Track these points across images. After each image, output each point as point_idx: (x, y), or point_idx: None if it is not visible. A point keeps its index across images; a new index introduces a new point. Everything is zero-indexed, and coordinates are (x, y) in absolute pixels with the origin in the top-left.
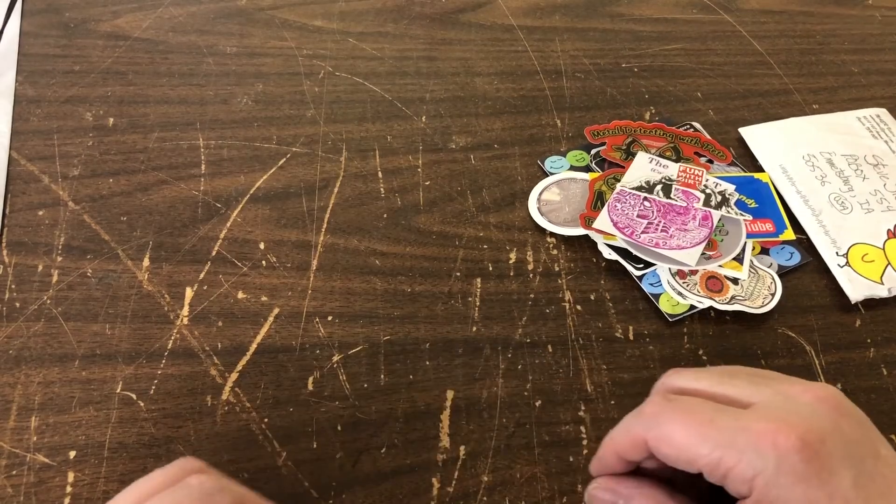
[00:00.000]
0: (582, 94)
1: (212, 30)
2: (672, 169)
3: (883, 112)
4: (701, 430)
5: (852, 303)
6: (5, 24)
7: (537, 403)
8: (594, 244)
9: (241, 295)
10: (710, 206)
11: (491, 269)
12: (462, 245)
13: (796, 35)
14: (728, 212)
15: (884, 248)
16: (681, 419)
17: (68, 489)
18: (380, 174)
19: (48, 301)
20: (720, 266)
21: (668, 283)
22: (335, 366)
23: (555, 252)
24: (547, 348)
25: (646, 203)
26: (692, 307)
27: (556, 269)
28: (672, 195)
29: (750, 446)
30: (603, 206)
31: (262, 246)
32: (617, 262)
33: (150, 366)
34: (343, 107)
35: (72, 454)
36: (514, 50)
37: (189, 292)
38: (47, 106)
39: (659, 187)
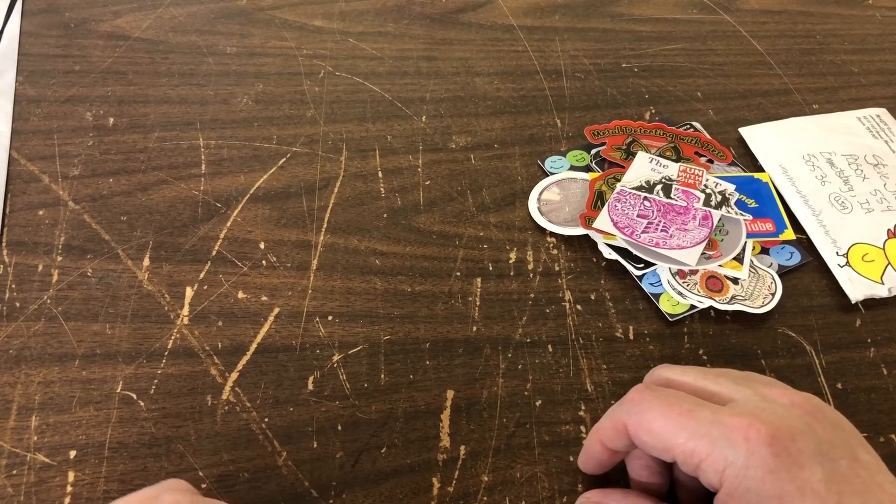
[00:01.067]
0: (582, 94)
1: (212, 30)
2: (672, 169)
3: (883, 112)
4: (679, 419)
5: (852, 303)
6: (5, 24)
7: (537, 403)
8: (594, 244)
9: (241, 295)
10: (710, 206)
11: (491, 268)
12: (462, 245)
13: (796, 35)
14: (728, 211)
15: (884, 248)
16: (660, 408)
17: (69, 489)
18: (380, 174)
19: (48, 301)
20: (720, 266)
21: (668, 282)
22: (335, 365)
23: (555, 252)
24: (547, 348)
25: (646, 203)
26: (692, 307)
27: (556, 268)
28: (672, 195)
29: (722, 438)
30: (603, 205)
31: (262, 246)
32: (617, 261)
33: (150, 365)
34: (343, 107)
35: (72, 454)
36: (514, 50)
37: (189, 292)
38: (47, 106)
39: (659, 187)
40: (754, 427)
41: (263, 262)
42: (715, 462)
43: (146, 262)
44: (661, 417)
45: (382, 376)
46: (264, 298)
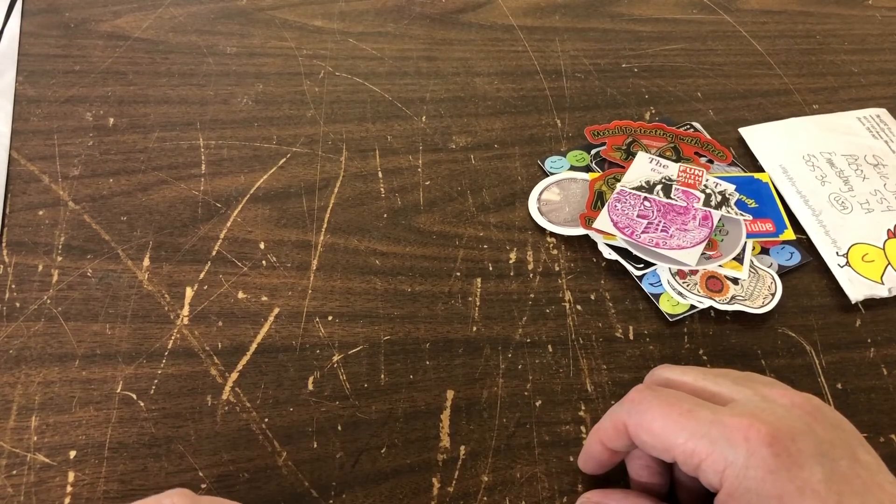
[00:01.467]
0: (582, 94)
1: (212, 30)
2: (672, 169)
3: (883, 112)
4: (679, 420)
5: (852, 303)
6: (5, 24)
7: (537, 403)
8: (594, 244)
9: (241, 295)
10: (710, 206)
11: (491, 268)
12: (462, 245)
13: (796, 35)
14: (728, 212)
15: (884, 248)
16: (660, 408)
17: (68, 489)
18: (380, 174)
19: (48, 301)
20: (720, 266)
21: (668, 282)
22: (335, 366)
23: (555, 252)
24: (547, 348)
25: (646, 203)
26: (692, 307)
27: (556, 268)
28: (672, 195)
29: (722, 438)
30: (603, 206)
31: (262, 246)
32: (617, 262)
33: (150, 366)
34: (343, 107)
35: (72, 454)
36: (514, 50)
37: (189, 292)
38: (47, 106)
39: (659, 187)
40: (754, 427)
41: (263, 262)
42: (715, 462)
43: (146, 262)
44: (662, 417)
45: (382, 376)
46: (264, 298)
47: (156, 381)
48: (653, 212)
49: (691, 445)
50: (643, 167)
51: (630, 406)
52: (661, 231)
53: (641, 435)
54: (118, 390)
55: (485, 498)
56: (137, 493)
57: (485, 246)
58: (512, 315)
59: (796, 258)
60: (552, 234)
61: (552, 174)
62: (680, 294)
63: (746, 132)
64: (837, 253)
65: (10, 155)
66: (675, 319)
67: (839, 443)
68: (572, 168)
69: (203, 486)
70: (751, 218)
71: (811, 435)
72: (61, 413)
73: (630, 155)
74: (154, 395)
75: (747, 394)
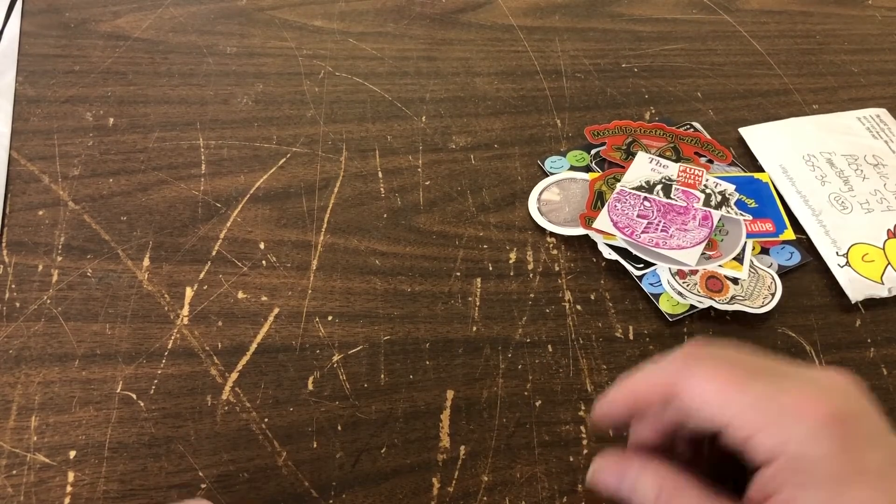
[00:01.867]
0: (582, 94)
1: (212, 30)
2: (672, 169)
3: (883, 112)
4: (736, 387)
5: (852, 303)
6: (5, 24)
7: (537, 403)
8: (594, 244)
9: (241, 295)
10: (710, 206)
11: (491, 268)
12: (462, 245)
13: (796, 35)
14: (728, 212)
15: (884, 248)
16: (716, 374)
17: (68, 489)
18: (380, 174)
19: (48, 301)
20: (720, 266)
21: (668, 282)
22: (335, 366)
23: (555, 252)
24: (547, 348)
25: (646, 203)
26: (692, 307)
27: (556, 268)
28: (672, 195)
29: (782, 413)
30: (603, 205)
31: (262, 246)
32: (617, 262)
33: (150, 366)
34: (343, 107)
35: (72, 454)
36: (514, 50)
37: (189, 292)
38: (47, 106)
39: (659, 187)
40: (820, 403)
41: (263, 262)
42: (770, 437)
43: (146, 262)
44: (716, 384)
45: (382, 376)
46: (264, 298)
47: (156, 381)
48: (653, 212)
49: (746, 417)
50: (643, 167)
51: (681, 365)
52: (661, 231)
53: (689, 400)
54: (118, 390)
55: (485, 498)
56: (137, 493)
57: (485, 246)
58: (512, 315)
59: (796, 258)
60: (552, 234)
61: (552, 174)
62: (680, 294)
63: (746, 132)
64: (837, 253)
65: (10, 155)
66: (675, 319)
67: (887, 428)
68: (572, 168)
69: (203, 485)
70: (751, 218)
71: (869, 417)
72: (61, 413)
73: (630, 155)
74: (154, 395)
75: (799, 371)
